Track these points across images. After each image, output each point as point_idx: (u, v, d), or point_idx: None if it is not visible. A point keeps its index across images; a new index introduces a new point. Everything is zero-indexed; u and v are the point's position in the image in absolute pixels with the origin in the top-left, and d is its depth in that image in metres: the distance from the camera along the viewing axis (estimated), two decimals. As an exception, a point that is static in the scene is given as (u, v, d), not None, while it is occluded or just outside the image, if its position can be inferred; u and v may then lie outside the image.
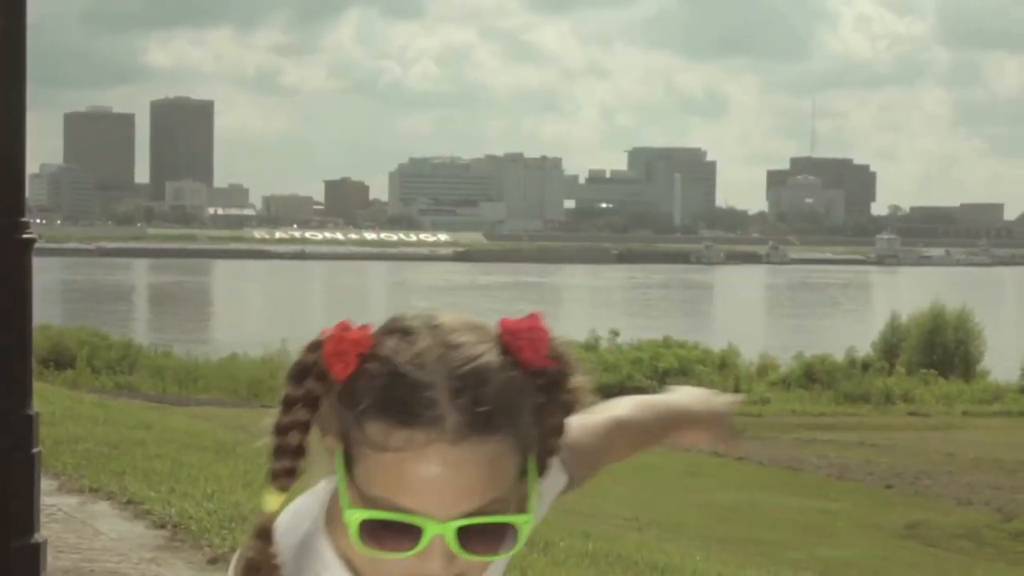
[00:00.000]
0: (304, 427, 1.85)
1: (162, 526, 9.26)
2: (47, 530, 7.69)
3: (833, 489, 20.98)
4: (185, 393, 30.58)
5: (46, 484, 8.88)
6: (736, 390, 34.44)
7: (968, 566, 16.17)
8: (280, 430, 1.86)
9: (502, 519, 1.78)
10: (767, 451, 24.48)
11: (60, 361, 32.16)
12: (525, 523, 1.82)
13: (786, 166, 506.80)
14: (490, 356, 1.81)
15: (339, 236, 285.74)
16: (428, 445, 1.74)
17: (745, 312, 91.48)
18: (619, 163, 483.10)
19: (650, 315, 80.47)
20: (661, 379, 33.16)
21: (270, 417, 1.87)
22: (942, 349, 42.59)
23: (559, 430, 1.90)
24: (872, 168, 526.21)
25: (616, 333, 44.37)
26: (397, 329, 1.84)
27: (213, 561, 8.34)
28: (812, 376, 38.72)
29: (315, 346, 1.87)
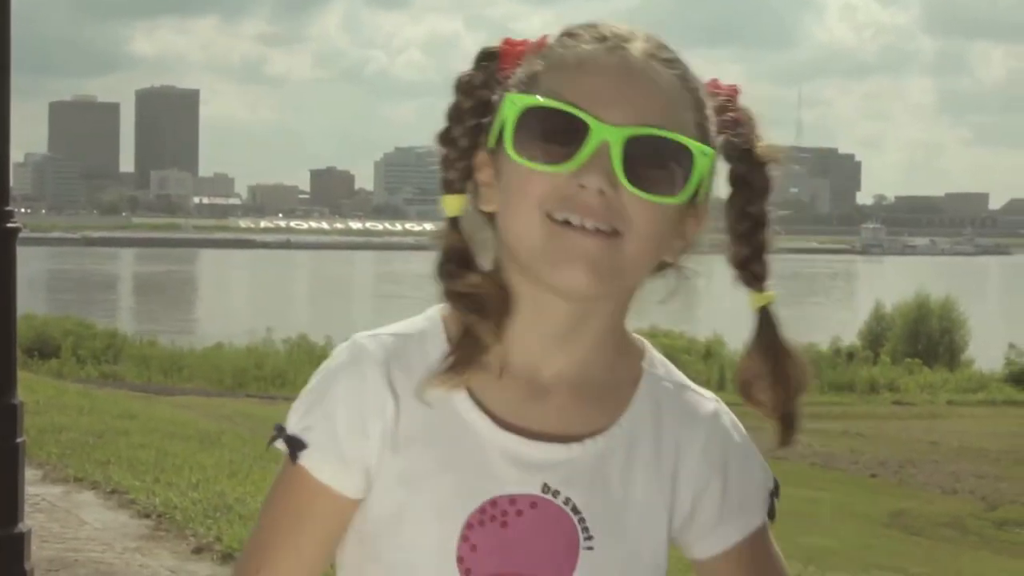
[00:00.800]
0: (475, 131, 1.73)
1: (147, 516, 9.25)
2: (31, 520, 7.68)
3: (818, 478, 20.99)
4: (170, 383, 30.52)
5: (30, 474, 8.89)
6: (721, 379, 34.52)
7: (953, 555, 16.21)
8: (447, 139, 1.75)
9: (679, 138, 1.64)
10: (752, 440, 24.52)
11: (44, 351, 32.09)
12: (704, 156, 1.67)
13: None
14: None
15: (324, 225, 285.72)
16: (612, 52, 1.65)
17: (731, 301, 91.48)
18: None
19: (635, 304, 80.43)
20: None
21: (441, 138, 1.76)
22: (927, 338, 42.68)
23: (758, 193, 1.79)
24: (857, 157, 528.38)
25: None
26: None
27: (198, 551, 8.32)
28: (797, 366, 38.78)
29: (488, 54, 1.76)
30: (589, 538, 1.69)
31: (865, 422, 29.02)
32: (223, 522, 8.76)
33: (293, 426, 1.75)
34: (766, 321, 1.84)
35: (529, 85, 1.68)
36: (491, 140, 1.71)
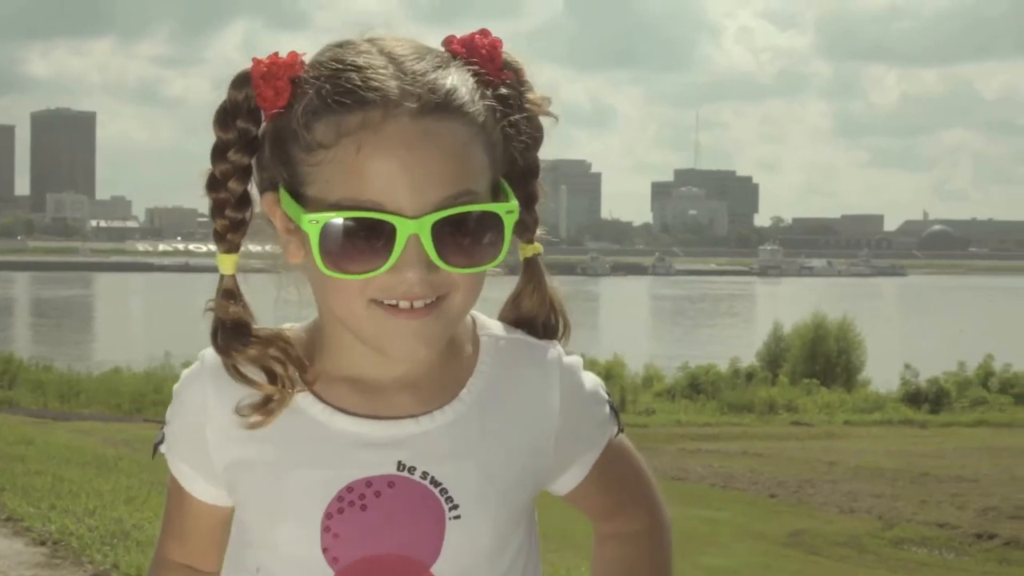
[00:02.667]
0: (244, 173, 1.70)
1: (42, 543, 9.12)
2: (-77, 548, 7.55)
3: (717, 498, 21.11)
4: (67, 408, 30.20)
5: (-78, 502, 8.73)
6: (622, 401, 34.66)
7: (850, 573, 16.34)
8: (215, 184, 1.70)
9: (479, 207, 1.63)
10: (652, 461, 24.06)
11: (-63, 376, 31.64)
12: (509, 214, 1.66)
13: (670, 177, 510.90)
14: (443, 56, 1.69)
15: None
16: (386, 121, 1.59)
17: (631, 323, 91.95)
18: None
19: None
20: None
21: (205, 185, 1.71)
22: (824, 359, 43.07)
23: (530, 144, 1.76)
24: (755, 180, 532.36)
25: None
26: (332, 46, 1.69)
27: (94, 578, 8.21)
28: (697, 386, 38.99)
29: (241, 80, 1.69)
30: (454, 507, 1.70)
31: (764, 442, 29.24)
32: (120, 549, 8.66)
33: (164, 432, 1.85)
34: (535, 271, 1.84)
35: (309, 159, 1.63)
36: (284, 205, 1.68)
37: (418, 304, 1.63)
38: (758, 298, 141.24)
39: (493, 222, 1.65)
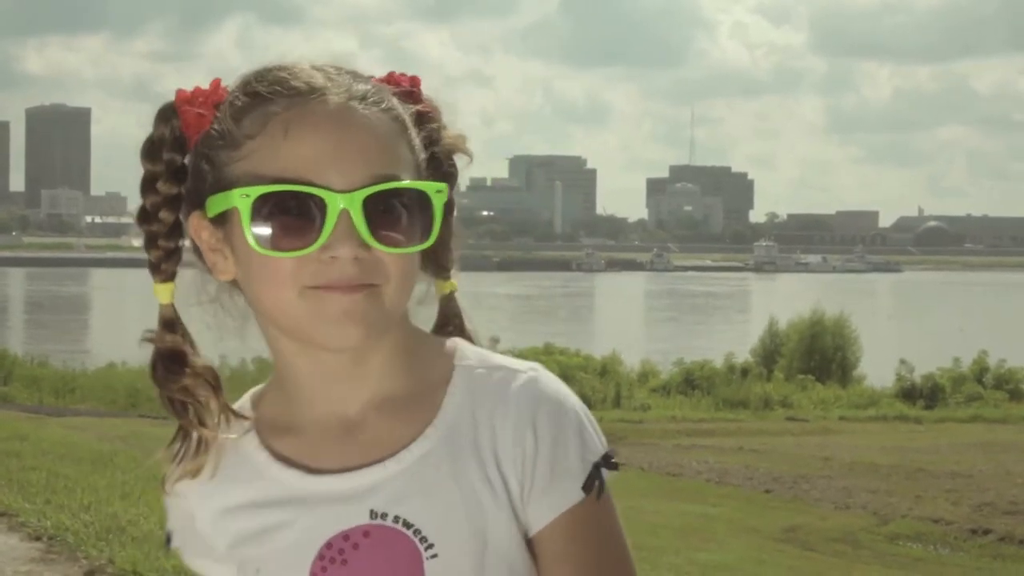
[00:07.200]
0: (174, 202, 1.70)
1: (37, 538, 9.13)
2: (-82, 544, 7.55)
3: (712, 494, 21.09)
4: (62, 403, 30.13)
5: (-83, 497, 8.73)
6: (617, 396, 34.67)
7: (845, 569, 16.34)
8: (146, 216, 1.72)
9: (409, 184, 1.64)
10: (647, 457, 24.58)
11: (-69, 372, 31.58)
12: (438, 194, 1.66)
13: (665, 174, 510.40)
14: (365, 75, 1.72)
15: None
16: (312, 103, 1.62)
17: (627, 319, 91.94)
18: (500, 171, 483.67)
19: (531, 322, 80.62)
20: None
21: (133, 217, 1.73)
22: (819, 355, 43.00)
23: (447, 165, 1.76)
24: (750, 176, 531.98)
25: (496, 340, 44.05)
26: (252, 70, 1.71)
27: (90, 574, 8.22)
28: (692, 382, 38.95)
29: (166, 111, 1.70)
30: (430, 547, 1.68)
31: (759, 438, 29.22)
32: (115, 544, 8.66)
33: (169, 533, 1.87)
34: (452, 309, 1.86)
35: (237, 155, 1.64)
36: (210, 210, 1.67)
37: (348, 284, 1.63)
38: (753, 294, 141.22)
39: (423, 202, 1.65)
